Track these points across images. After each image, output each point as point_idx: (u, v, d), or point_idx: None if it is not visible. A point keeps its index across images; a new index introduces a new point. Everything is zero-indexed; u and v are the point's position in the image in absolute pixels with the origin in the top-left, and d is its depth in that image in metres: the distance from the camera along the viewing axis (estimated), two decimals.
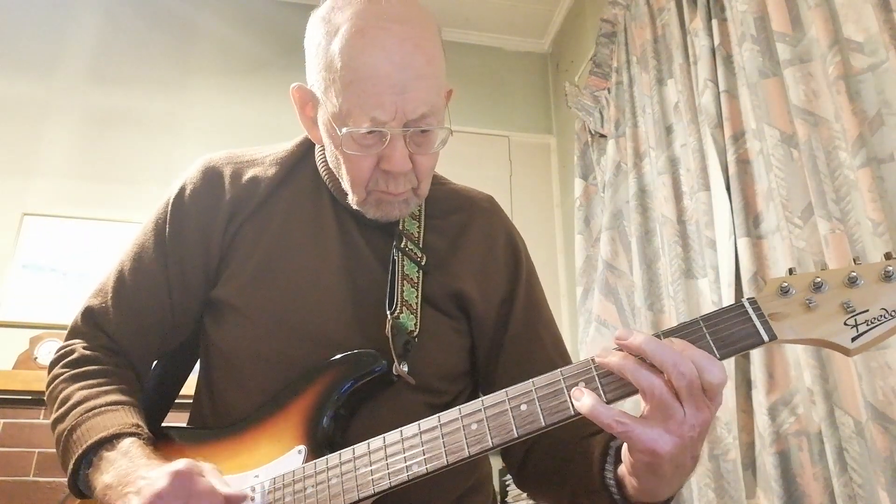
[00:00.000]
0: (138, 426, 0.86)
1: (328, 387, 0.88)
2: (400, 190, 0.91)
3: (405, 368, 0.89)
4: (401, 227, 1.00)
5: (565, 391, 0.71)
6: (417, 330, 0.92)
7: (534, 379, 0.73)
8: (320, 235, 0.99)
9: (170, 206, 1.00)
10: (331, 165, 0.98)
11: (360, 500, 0.76)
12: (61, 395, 0.90)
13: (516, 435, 0.71)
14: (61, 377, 0.93)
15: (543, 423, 0.71)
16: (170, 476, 0.73)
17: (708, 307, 1.95)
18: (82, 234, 2.90)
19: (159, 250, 0.99)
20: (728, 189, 1.90)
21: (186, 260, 0.98)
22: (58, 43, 3.20)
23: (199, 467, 0.77)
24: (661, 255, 2.25)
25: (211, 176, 1.01)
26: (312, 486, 0.79)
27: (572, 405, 0.70)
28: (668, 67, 2.37)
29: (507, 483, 2.57)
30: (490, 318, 1.00)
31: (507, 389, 0.74)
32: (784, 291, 0.70)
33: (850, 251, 1.48)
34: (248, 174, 1.02)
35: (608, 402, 0.69)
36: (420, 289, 0.96)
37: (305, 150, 1.06)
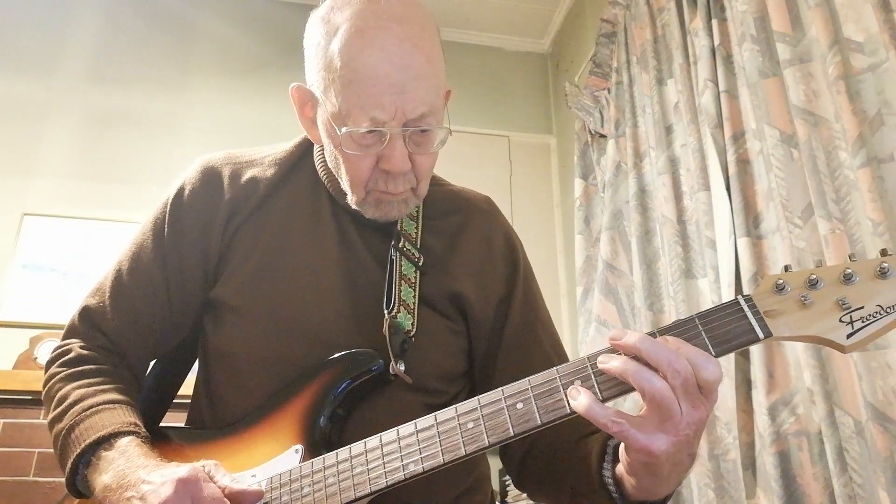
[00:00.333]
0: (136, 424, 0.86)
1: (325, 386, 0.88)
2: (399, 190, 0.91)
3: (402, 368, 0.89)
4: (399, 227, 1.00)
5: (561, 390, 0.71)
6: (415, 330, 0.93)
7: (530, 377, 0.73)
8: (318, 235, 0.99)
9: (168, 207, 1.00)
10: (330, 165, 0.98)
11: (356, 500, 0.76)
12: (58, 395, 0.90)
13: (512, 433, 0.71)
14: (58, 376, 0.92)
15: (540, 422, 0.71)
16: (175, 484, 0.72)
17: (708, 307, 1.95)
18: (82, 234, 2.90)
19: (158, 250, 0.99)
20: (728, 189, 1.90)
21: (185, 260, 0.98)
22: (58, 43, 3.20)
23: (206, 471, 0.76)
24: (661, 255, 2.25)
25: (210, 176, 1.01)
26: (309, 486, 0.79)
27: (568, 404, 0.70)
28: (668, 67, 2.37)
29: (506, 483, 2.57)
30: (488, 319, 1.00)
31: (503, 388, 0.74)
32: (779, 288, 0.70)
33: (851, 251, 1.48)
34: (247, 175, 1.02)
35: (604, 401, 0.69)
36: (417, 289, 0.96)
37: (304, 150, 1.06)
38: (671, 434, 0.66)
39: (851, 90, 1.54)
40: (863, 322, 0.66)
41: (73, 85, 3.15)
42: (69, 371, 0.92)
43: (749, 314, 0.69)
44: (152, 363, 1.06)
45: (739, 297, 0.70)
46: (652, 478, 0.72)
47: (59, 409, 0.88)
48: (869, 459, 1.38)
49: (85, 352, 0.95)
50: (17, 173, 2.94)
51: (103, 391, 0.89)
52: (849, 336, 0.66)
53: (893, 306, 0.66)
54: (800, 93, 1.67)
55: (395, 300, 0.94)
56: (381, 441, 0.78)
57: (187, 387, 1.09)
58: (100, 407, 0.86)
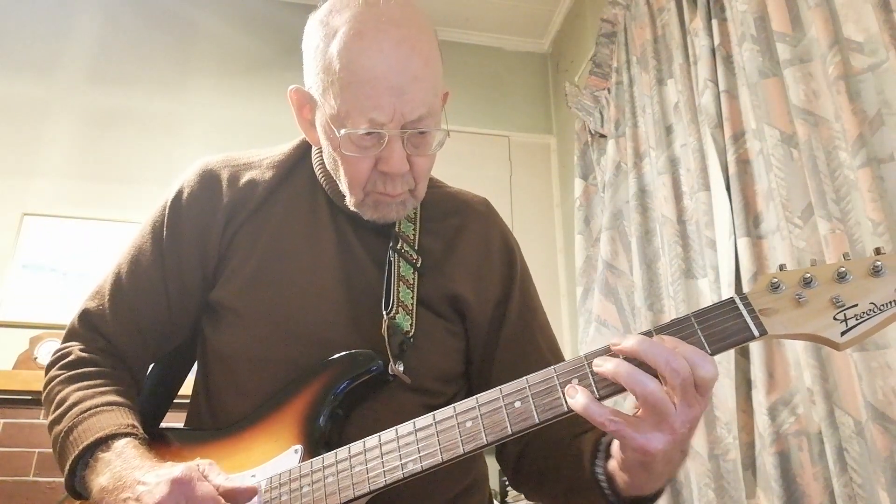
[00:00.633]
0: (133, 426, 0.86)
1: (325, 386, 0.88)
2: (397, 191, 0.92)
3: (401, 368, 0.89)
4: (397, 229, 1.00)
5: (559, 388, 0.72)
6: (413, 331, 0.93)
7: (528, 376, 0.74)
8: (317, 237, 0.99)
9: (167, 209, 1.01)
10: (328, 167, 0.99)
11: (355, 498, 0.76)
12: (58, 397, 0.91)
13: (510, 432, 0.72)
14: (58, 379, 0.93)
15: (537, 420, 0.71)
16: (170, 484, 0.73)
17: None
18: (82, 234, 2.90)
19: (157, 253, 0.99)
20: (728, 189, 1.90)
21: (184, 263, 0.99)
22: (58, 43, 3.20)
23: (199, 470, 0.77)
24: (661, 255, 2.25)
25: (208, 179, 1.02)
26: (308, 485, 0.79)
27: (566, 403, 0.70)
28: (668, 67, 2.37)
29: (506, 483, 2.57)
30: (485, 321, 1.01)
31: (501, 387, 0.74)
32: (774, 287, 0.71)
33: (850, 251, 1.48)
34: (245, 177, 1.02)
35: (601, 399, 0.70)
36: (415, 290, 0.96)
37: (302, 152, 1.06)
38: (667, 433, 0.67)
39: (851, 90, 1.54)
40: (857, 320, 0.67)
41: (73, 85, 3.15)
42: (69, 373, 0.93)
43: (744, 312, 0.70)
44: (152, 365, 1.06)
45: (735, 295, 0.71)
46: (645, 474, 0.73)
47: (58, 411, 0.89)
48: (869, 459, 1.38)
49: (85, 354, 0.95)
50: (17, 173, 2.94)
51: (102, 393, 0.90)
52: (843, 333, 0.67)
53: (887, 304, 0.67)
54: (800, 93, 1.67)
55: (393, 301, 0.94)
56: (380, 440, 0.78)
57: (187, 386, 1.09)
58: (98, 409, 0.87)
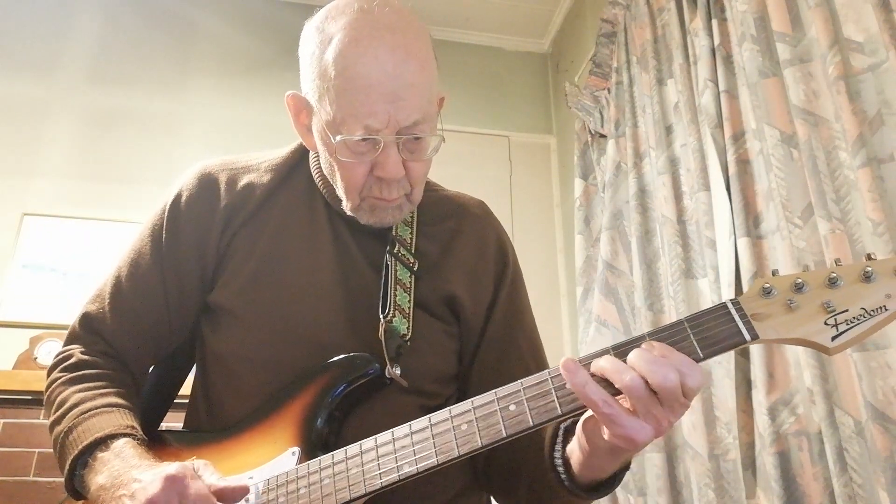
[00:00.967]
0: (132, 427, 0.87)
1: (322, 389, 0.89)
2: (393, 196, 0.93)
3: (398, 371, 0.90)
4: (394, 232, 1.01)
5: (552, 391, 0.72)
6: (410, 333, 0.94)
7: (522, 379, 0.75)
8: (314, 241, 1.00)
9: (166, 213, 1.02)
10: (325, 172, 0.99)
11: (351, 500, 0.77)
12: (59, 398, 0.91)
13: (504, 435, 0.73)
14: (59, 381, 0.94)
15: (531, 423, 0.72)
16: (163, 480, 0.74)
17: (707, 307, 1.95)
18: (82, 234, 2.90)
19: (156, 256, 1.00)
20: (728, 189, 1.90)
21: (183, 266, 0.99)
22: (58, 43, 3.20)
23: (193, 469, 0.78)
24: (661, 255, 2.25)
25: (206, 182, 1.03)
26: (305, 487, 0.80)
27: (559, 405, 0.72)
28: (668, 67, 2.37)
29: None
30: (477, 322, 1.01)
31: (496, 390, 0.75)
32: (766, 292, 0.71)
33: (850, 251, 1.48)
34: (244, 181, 1.03)
35: None
36: (412, 293, 0.97)
37: (300, 156, 1.07)
38: (653, 426, 0.68)
39: (851, 90, 1.54)
40: (847, 325, 0.68)
41: (73, 85, 3.15)
42: (70, 375, 0.94)
43: (736, 317, 0.71)
44: (151, 368, 1.07)
45: (727, 300, 0.72)
46: (611, 460, 0.75)
47: (58, 413, 0.90)
48: (869, 459, 1.38)
49: (86, 357, 0.96)
50: (17, 173, 2.95)
51: (102, 395, 0.91)
52: (833, 338, 0.68)
53: (877, 309, 0.68)
54: (800, 93, 1.67)
55: (390, 304, 0.95)
56: (376, 443, 0.79)
57: (187, 387, 1.10)
58: (98, 410, 0.88)
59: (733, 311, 0.71)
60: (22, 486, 2.25)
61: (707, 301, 1.97)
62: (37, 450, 2.29)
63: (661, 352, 0.68)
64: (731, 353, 1.78)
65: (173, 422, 1.05)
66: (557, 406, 0.72)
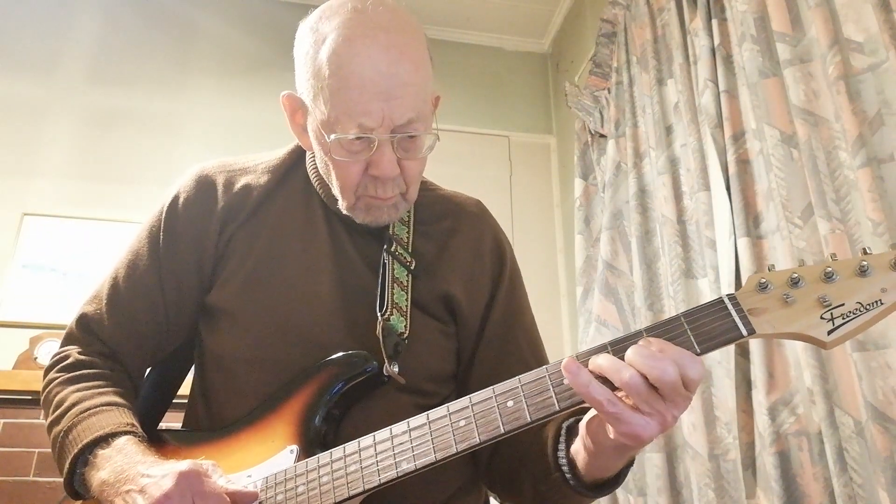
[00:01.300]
0: (133, 425, 0.87)
1: (320, 387, 0.89)
2: (388, 195, 0.93)
3: (396, 369, 0.90)
4: (391, 231, 1.01)
5: (551, 388, 0.72)
6: (407, 332, 0.94)
7: (520, 376, 0.75)
8: (311, 241, 1.00)
9: (164, 214, 1.02)
10: (321, 171, 1.00)
11: (349, 498, 0.77)
12: (56, 399, 0.91)
13: (503, 431, 0.73)
14: (56, 381, 0.94)
15: (529, 419, 0.72)
16: (177, 476, 0.74)
17: None
18: (82, 234, 2.90)
19: (153, 258, 1.00)
20: (728, 189, 1.90)
21: (180, 267, 1.00)
22: (58, 43, 3.20)
23: (204, 467, 0.78)
24: (661, 255, 2.25)
25: (204, 184, 1.03)
26: (304, 485, 0.80)
27: (557, 401, 0.72)
28: (668, 67, 2.37)
29: None
30: (475, 321, 1.01)
31: (493, 386, 0.75)
32: (763, 287, 0.72)
33: (850, 251, 1.48)
34: (241, 182, 1.03)
35: None
36: (409, 292, 0.97)
37: (297, 157, 1.07)
38: (657, 422, 0.68)
39: (851, 90, 1.54)
40: (843, 319, 0.68)
41: (73, 85, 3.15)
42: (67, 376, 0.94)
43: (733, 312, 0.71)
44: (150, 368, 1.07)
45: (724, 295, 0.72)
46: (616, 458, 0.75)
47: (56, 413, 0.90)
48: (869, 459, 1.38)
49: (83, 357, 0.96)
50: (17, 173, 2.95)
51: (101, 394, 0.91)
52: (829, 332, 0.68)
53: (873, 303, 0.68)
54: (800, 93, 1.67)
55: (387, 303, 0.95)
56: (374, 440, 0.79)
57: (185, 387, 1.10)
58: (97, 409, 0.88)
59: (730, 306, 0.71)
60: (22, 486, 2.25)
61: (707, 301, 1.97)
62: (37, 450, 2.29)
63: (658, 347, 0.68)
64: (731, 353, 1.78)
65: (172, 422, 1.05)
66: (555, 402, 0.72)
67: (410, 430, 0.77)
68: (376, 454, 0.78)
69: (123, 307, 0.99)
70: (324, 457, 0.81)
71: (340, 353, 0.92)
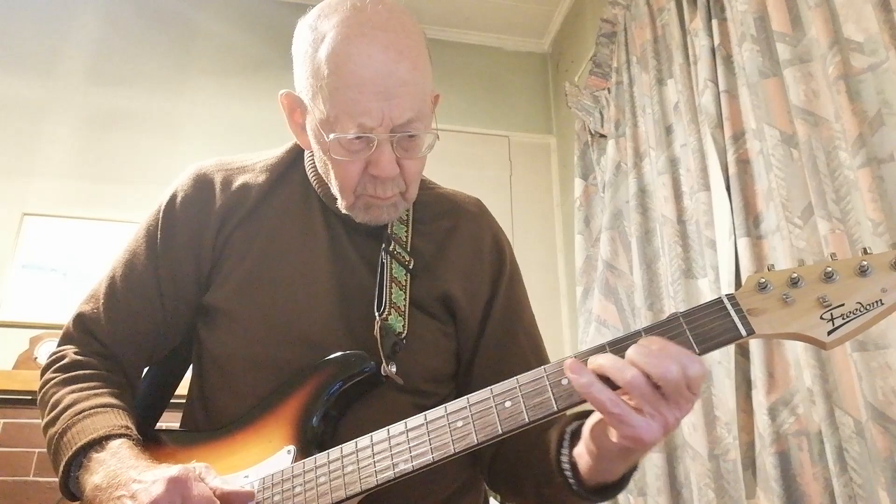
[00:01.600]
0: (127, 427, 0.86)
1: (318, 388, 0.89)
2: (388, 194, 0.92)
3: (393, 369, 0.90)
4: (389, 230, 1.01)
5: (549, 388, 0.72)
6: (406, 332, 0.93)
7: (518, 376, 0.74)
8: (310, 240, 1.00)
9: (161, 214, 1.01)
10: (319, 171, 0.99)
11: (347, 498, 0.76)
12: (52, 399, 0.91)
13: (500, 431, 0.72)
14: (52, 382, 0.93)
15: (527, 420, 0.72)
16: (166, 482, 0.73)
17: None
18: (82, 234, 2.90)
19: (151, 257, 1.00)
20: (728, 189, 1.90)
21: (178, 267, 0.99)
22: (58, 43, 3.20)
23: (196, 471, 0.77)
24: (661, 255, 2.25)
25: (201, 183, 1.02)
26: (301, 485, 0.79)
27: (555, 402, 0.71)
28: (668, 67, 2.37)
29: None
30: (474, 321, 1.01)
31: (492, 387, 0.75)
32: (762, 287, 0.71)
33: (850, 251, 1.48)
34: (239, 181, 1.03)
35: None
36: (408, 292, 0.97)
37: (295, 156, 1.07)
38: (660, 424, 0.67)
39: (851, 90, 1.54)
40: (843, 319, 0.68)
41: (73, 85, 3.15)
42: (63, 376, 0.93)
43: (732, 312, 0.70)
44: (148, 368, 1.07)
45: (723, 295, 0.72)
46: (619, 462, 0.74)
47: (52, 414, 0.89)
48: (869, 459, 1.38)
49: (79, 357, 0.96)
50: (17, 173, 2.95)
51: (96, 395, 0.90)
52: (829, 333, 0.68)
53: (873, 303, 0.68)
54: (800, 93, 1.67)
55: (385, 303, 0.94)
56: (371, 440, 0.78)
57: (184, 387, 1.09)
58: (92, 410, 0.87)
59: (729, 306, 0.70)
60: (22, 486, 2.25)
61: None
62: (37, 450, 2.29)
63: (659, 346, 0.68)
64: (732, 354, 1.78)
65: (171, 422, 1.05)
66: (553, 402, 0.71)
67: (408, 431, 0.77)
68: (374, 454, 0.77)
69: (121, 307, 0.98)
70: (321, 457, 0.81)
71: (338, 353, 0.91)
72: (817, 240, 1.57)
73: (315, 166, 1.01)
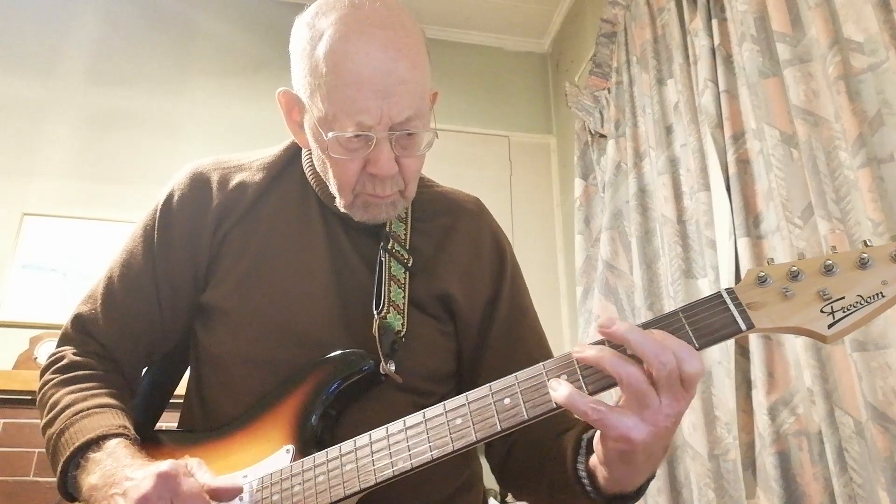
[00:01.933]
0: (125, 427, 0.86)
1: (316, 386, 0.89)
2: (387, 192, 0.92)
3: (392, 368, 0.89)
4: (388, 228, 1.00)
5: (547, 384, 0.71)
6: (404, 330, 0.93)
7: (517, 373, 0.74)
8: (307, 239, 0.99)
9: (158, 213, 1.01)
10: (318, 169, 0.99)
11: (346, 497, 0.76)
12: (51, 400, 0.91)
13: (500, 428, 0.72)
14: (51, 382, 0.94)
15: (526, 416, 0.71)
16: (155, 478, 0.73)
17: None
18: (82, 234, 2.90)
19: (148, 257, 0.99)
20: (728, 189, 1.90)
21: (175, 266, 0.99)
22: (58, 43, 3.20)
23: (185, 466, 0.77)
24: (661, 255, 2.25)
25: (198, 182, 1.02)
26: (300, 484, 0.79)
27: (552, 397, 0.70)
28: (668, 67, 2.37)
29: None
30: (475, 320, 1.01)
31: (490, 384, 0.74)
32: (761, 281, 0.70)
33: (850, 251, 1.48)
34: (236, 180, 1.02)
35: (591, 394, 0.69)
36: (407, 290, 0.96)
37: (292, 154, 1.06)
38: (650, 423, 0.66)
39: (851, 90, 1.54)
40: (843, 312, 0.67)
41: (73, 85, 3.16)
42: (62, 377, 0.94)
43: (731, 306, 0.70)
44: (147, 368, 1.07)
45: (722, 289, 0.71)
46: (625, 468, 0.73)
47: (51, 414, 0.89)
48: (869, 459, 1.37)
49: (78, 358, 0.96)
50: (17, 173, 2.95)
51: (94, 395, 0.90)
52: (830, 326, 0.67)
53: (873, 296, 0.67)
54: (800, 93, 1.67)
55: (384, 301, 0.94)
56: (370, 439, 0.78)
57: (182, 386, 1.09)
58: (90, 411, 0.87)
59: (728, 301, 0.70)
60: (22, 486, 2.25)
61: None
62: (37, 450, 2.29)
63: (661, 336, 0.67)
64: (732, 353, 1.78)
65: (170, 422, 1.05)
66: (553, 399, 0.71)
67: (407, 429, 0.77)
68: (372, 453, 0.77)
69: (118, 307, 0.98)
70: (319, 456, 0.80)
71: (337, 352, 0.91)
72: (817, 240, 1.57)
73: (313, 164, 1.01)
